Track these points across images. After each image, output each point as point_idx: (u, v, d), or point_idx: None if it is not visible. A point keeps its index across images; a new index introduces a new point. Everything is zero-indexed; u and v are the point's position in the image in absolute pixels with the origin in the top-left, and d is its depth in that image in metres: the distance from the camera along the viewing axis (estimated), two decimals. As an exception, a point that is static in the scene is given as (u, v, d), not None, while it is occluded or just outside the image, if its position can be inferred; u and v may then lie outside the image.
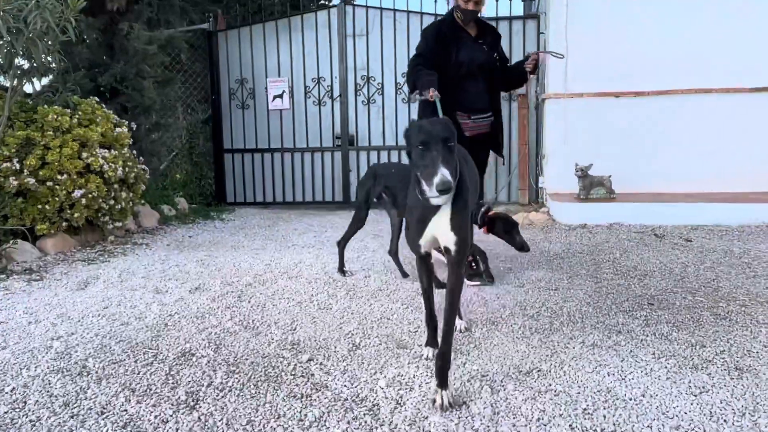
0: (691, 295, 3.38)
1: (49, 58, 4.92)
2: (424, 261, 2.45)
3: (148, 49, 6.15)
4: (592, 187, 5.93)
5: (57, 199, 4.47)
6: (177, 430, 1.96)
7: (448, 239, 2.24)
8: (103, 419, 2.04)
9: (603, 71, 6.17)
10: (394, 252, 3.87)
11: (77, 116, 4.84)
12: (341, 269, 3.97)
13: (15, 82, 4.62)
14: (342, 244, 4.00)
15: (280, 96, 7.70)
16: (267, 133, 7.84)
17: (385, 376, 2.34)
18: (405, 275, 3.81)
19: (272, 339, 2.78)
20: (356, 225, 3.87)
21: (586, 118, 6.36)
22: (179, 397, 2.19)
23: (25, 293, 3.56)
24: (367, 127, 7.62)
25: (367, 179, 3.75)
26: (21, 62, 4.75)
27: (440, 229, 2.24)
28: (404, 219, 3.02)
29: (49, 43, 4.57)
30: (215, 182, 8.03)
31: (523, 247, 3.48)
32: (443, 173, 1.91)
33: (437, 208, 2.20)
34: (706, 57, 6.08)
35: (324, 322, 3.01)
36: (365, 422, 1.99)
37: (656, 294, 3.41)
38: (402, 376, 2.35)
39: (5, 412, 2.09)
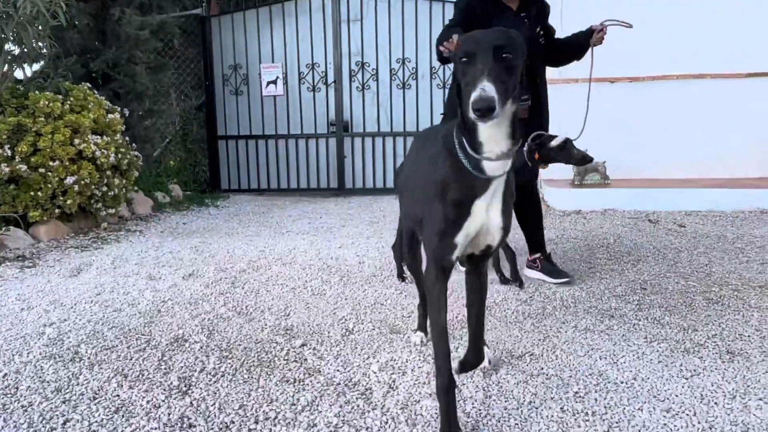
0: (683, 279, 3.39)
1: (40, 44, 4.88)
2: (447, 278, 1.78)
3: (140, 35, 6.09)
4: (586, 173, 5.92)
5: (49, 185, 4.44)
6: (169, 414, 1.96)
7: (495, 235, 1.72)
8: (95, 404, 2.03)
9: (598, 56, 6.14)
10: (398, 246, 3.50)
11: (69, 102, 4.80)
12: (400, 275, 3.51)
13: (5, 67, 4.59)
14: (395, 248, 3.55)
15: (274, 82, 7.65)
16: (261, 120, 7.79)
17: (377, 361, 2.34)
18: (402, 278, 3.45)
19: (265, 325, 2.78)
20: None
21: (581, 104, 6.33)
22: (172, 383, 2.19)
23: (18, 280, 3.55)
24: (362, 113, 7.58)
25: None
26: (11, 48, 4.72)
27: (489, 221, 1.68)
28: (406, 212, 2.29)
29: (40, 28, 4.54)
30: (209, 169, 7.99)
31: (584, 158, 3.24)
32: (483, 87, 1.36)
33: (485, 187, 1.62)
34: (702, 42, 6.06)
35: (317, 307, 3.01)
36: (358, 406, 2.00)
37: (649, 279, 3.42)
38: (395, 360, 2.35)
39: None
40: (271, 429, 1.87)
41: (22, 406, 2.03)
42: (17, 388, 2.16)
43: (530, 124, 3.39)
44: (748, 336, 2.54)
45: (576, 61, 3.61)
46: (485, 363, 2.21)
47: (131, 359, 2.41)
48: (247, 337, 2.62)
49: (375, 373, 2.24)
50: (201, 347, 2.52)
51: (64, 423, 1.91)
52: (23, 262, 3.93)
